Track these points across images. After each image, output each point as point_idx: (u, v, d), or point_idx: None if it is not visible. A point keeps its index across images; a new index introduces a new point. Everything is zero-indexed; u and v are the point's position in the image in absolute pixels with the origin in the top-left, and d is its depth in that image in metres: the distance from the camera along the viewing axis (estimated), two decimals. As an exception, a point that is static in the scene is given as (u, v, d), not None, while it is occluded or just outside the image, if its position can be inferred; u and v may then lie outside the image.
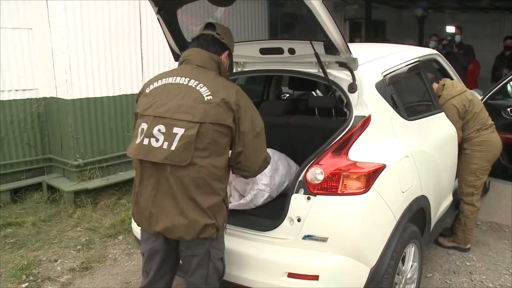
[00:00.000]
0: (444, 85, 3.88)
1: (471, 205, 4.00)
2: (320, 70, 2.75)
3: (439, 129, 3.65)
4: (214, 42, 2.44)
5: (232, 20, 6.33)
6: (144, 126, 2.25)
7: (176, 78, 2.31)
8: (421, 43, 11.52)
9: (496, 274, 3.82)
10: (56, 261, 4.11)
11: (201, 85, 2.24)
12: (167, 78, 2.33)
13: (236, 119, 2.24)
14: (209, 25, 2.50)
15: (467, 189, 3.99)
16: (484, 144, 3.88)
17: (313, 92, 4.43)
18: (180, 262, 2.48)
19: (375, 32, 11.08)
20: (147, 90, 2.37)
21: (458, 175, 3.99)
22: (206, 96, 2.21)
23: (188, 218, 2.21)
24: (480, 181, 3.99)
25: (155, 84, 2.36)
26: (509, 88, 4.27)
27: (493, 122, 3.97)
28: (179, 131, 2.17)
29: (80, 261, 4.09)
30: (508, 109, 4.21)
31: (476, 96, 4.06)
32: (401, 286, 2.96)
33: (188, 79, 2.28)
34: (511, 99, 4.29)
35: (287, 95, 4.86)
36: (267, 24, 7.22)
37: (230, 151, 2.35)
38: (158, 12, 2.93)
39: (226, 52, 2.49)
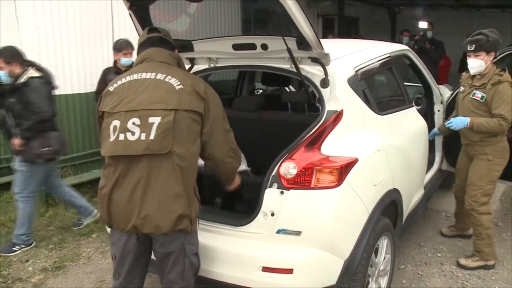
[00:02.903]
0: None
1: (487, 214, 3.76)
2: (293, 66, 2.77)
3: (410, 124, 3.73)
4: (165, 42, 2.52)
5: (205, 16, 6.30)
6: (117, 122, 2.25)
7: (141, 74, 2.34)
8: (393, 39, 11.69)
9: (465, 264, 3.91)
10: (27, 261, 4.04)
11: (170, 77, 2.30)
12: (132, 75, 2.36)
13: (206, 107, 2.31)
14: (153, 29, 2.57)
15: (482, 198, 3.73)
16: (505, 150, 3.72)
17: (287, 88, 4.45)
18: (153, 257, 2.46)
19: (348, 29, 11.19)
20: (111, 89, 2.38)
21: (472, 184, 3.75)
22: (177, 85, 2.27)
23: (166, 208, 2.22)
24: (494, 190, 3.80)
25: (119, 82, 2.37)
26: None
27: None
28: (155, 120, 2.19)
29: (52, 261, 4.03)
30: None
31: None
32: (374, 278, 3.01)
33: (155, 73, 2.32)
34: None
35: (261, 90, 4.87)
36: (241, 20, 7.23)
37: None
38: (130, 8, 2.92)
39: (176, 51, 2.58)
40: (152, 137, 2.17)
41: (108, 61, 5.84)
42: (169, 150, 2.18)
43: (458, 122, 3.69)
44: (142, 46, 2.53)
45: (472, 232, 3.94)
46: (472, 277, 3.73)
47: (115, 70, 4.93)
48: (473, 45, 3.57)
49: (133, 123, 2.21)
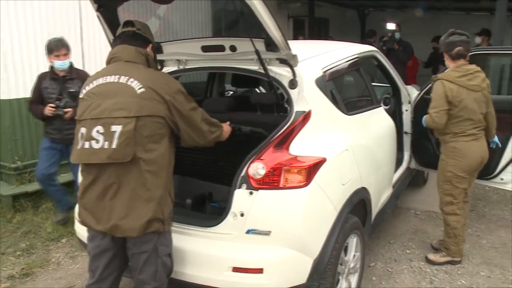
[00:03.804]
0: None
1: (454, 215, 3.82)
2: (261, 67, 2.78)
3: (378, 123, 3.79)
4: (137, 37, 2.49)
5: (175, 18, 6.26)
6: (83, 130, 2.29)
7: (106, 78, 2.34)
8: (363, 40, 11.86)
9: (433, 260, 4.00)
10: (-7, 269, 3.95)
11: (132, 79, 2.29)
12: (98, 80, 2.37)
13: (170, 107, 2.32)
14: (128, 23, 2.53)
15: (445, 197, 3.84)
16: (456, 151, 3.70)
17: (257, 89, 4.47)
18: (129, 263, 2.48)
19: (319, 30, 11.29)
20: (81, 95, 2.42)
21: (437, 183, 3.92)
22: (138, 89, 2.26)
23: (134, 213, 2.24)
24: (457, 190, 3.79)
25: (87, 88, 2.39)
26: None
27: (478, 132, 3.72)
28: (117, 128, 2.21)
29: (20, 268, 3.94)
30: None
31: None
32: (344, 275, 3.04)
33: (118, 76, 2.32)
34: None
35: (231, 92, 4.88)
36: (211, 21, 7.22)
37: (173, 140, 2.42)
38: (97, 10, 2.90)
39: (150, 46, 2.55)
40: (114, 145, 2.20)
41: (77, 65, 5.74)
42: (133, 157, 2.20)
43: (423, 119, 3.84)
44: (114, 42, 2.53)
45: (443, 228, 4.02)
46: (439, 272, 3.82)
47: (51, 76, 4.36)
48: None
49: (97, 131, 2.24)
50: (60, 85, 4.36)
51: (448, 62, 3.74)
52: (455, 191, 3.79)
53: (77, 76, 4.42)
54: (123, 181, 2.24)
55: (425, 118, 3.77)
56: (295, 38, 10.33)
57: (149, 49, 2.53)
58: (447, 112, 3.61)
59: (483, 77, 3.69)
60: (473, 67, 3.69)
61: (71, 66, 4.45)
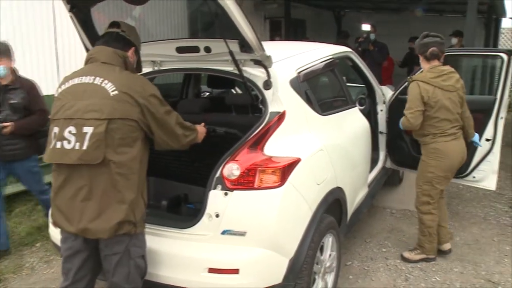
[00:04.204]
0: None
1: (429, 214, 3.88)
2: (236, 68, 2.79)
3: (352, 123, 3.82)
4: (119, 38, 2.48)
5: (151, 19, 6.21)
6: (56, 130, 2.29)
7: (81, 78, 2.34)
8: (337, 41, 11.96)
9: (409, 257, 4.06)
10: (-37, 276, 3.86)
11: (106, 81, 2.28)
12: (73, 79, 2.36)
13: (143, 110, 2.31)
14: (114, 24, 2.53)
15: (422, 197, 3.88)
16: (437, 151, 3.74)
17: (233, 90, 4.48)
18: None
19: (295, 31, 11.34)
20: (56, 94, 2.41)
21: (415, 182, 3.95)
22: (112, 92, 2.25)
23: (105, 215, 2.24)
24: (436, 191, 3.84)
25: (63, 87, 2.38)
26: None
27: (456, 131, 3.78)
28: (88, 130, 2.21)
29: (-8, 273, 3.87)
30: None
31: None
32: (320, 275, 3.06)
33: (93, 77, 2.31)
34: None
35: (207, 93, 4.87)
36: (187, 22, 7.20)
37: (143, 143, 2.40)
38: (70, 10, 2.87)
39: (133, 49, 2.54)
40: (85, 147, 2.20)
41: (51, 66, 5.69)
42: (103, 159, 2.20)
43: (400, 122, 3.89)
44: (97, 42, 2.52)
45: (418, 227, 4.06)
46: (414, 269, 3.88)
47: None
48: None
49: (69, 132, 2.23)
50: (0, 95, 3.91)
51: (423, 63, 3.80)
52: (434, 192, 3.84)
53: (21, 85, 3.96)
54: (94, 183, 2.23)
55: (401, 120, 3.82)
56: (272, 39, 10.35)
57: (130, 52, 2.52)
58: (422, 113, 3.65)
59: (457, 78, 3.75)
60: (447, 68, 3.75)
61: (14, 73, 3.98)
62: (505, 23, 13.73)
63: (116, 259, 2.35)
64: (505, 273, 3.84)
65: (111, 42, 2.45)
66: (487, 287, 3.64)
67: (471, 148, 4.10)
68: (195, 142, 2.70)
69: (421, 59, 3.78)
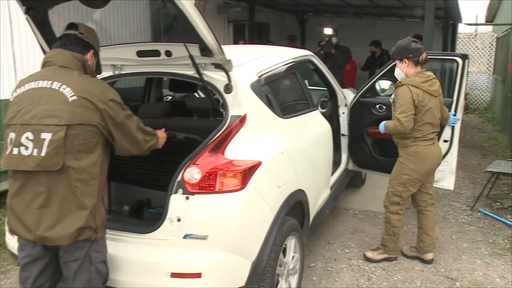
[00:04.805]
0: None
1: (397, 214, 3.91)
2: (196, 72, 2.79)
3: (314, 126, 3.87)
4: (77, 41, 2.43)
5: (112, 22, 6.13)
6: (12, 135, 2.23)
7: (38, 82, 2.28)
8: (303, 45, 12.11)
9: (371, 257, 4.14)
10: None
11: (64, 86, 2.23)
12: (30, 83, 2.30)
13: (103, 115, 2.28)
14: (72, 25, 2.47)
15: (393, 197, 3.89)
16: (417, 155, 3.75)
17: (195, 94, 4.47)
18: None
19: (259, 34, 11.38)
20: (11, 98, 2.34)
21: (389, 182, 3.94)
22: (70, 97, 2.21)
23: (64, 222, 2.21)
24: (408, 193, 3.87)
25: (18, 91, 2.32)
26: (377, 86, 4.61)
27: (434, 137, 3.83)
28: (47, 136, 2.16)
29: None
30: (377, 106, 4.55)
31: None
32: (284, 277, 3.09)
33: (50, 81, 2.26)
34: (379, 97, 4.62)
35: (170, 97, 4.85)
36: (150, 25, 7.12)
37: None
38: (26, 12, 2.80)
39: (91, 52, 2.50)
40: (43, 153, 2.16)
41: (8, 69, 5.53)
42: (62, 166, 2.17)
43: (381, 126, 3.87)
44: (54, 43, 2.46)
45: (383, 226, 4.08)
46: (377, 269, 3.95)
47: None
48: (392, 55, 3.86)
49: (27, 138, 2.18)
50: None
51: (409, 68, 3.74)
52: (405, 194, 3.87)
53: None
54: (52, 190, 2.20)
55: (385, 124, 3.80)
56: (236, 42, 10.36)
57: (89, 55, 2.47)
58: (414, 117, 3.66)
59: (439, 83, 3.80)
60: (431, 73, 3.78)
61: None
62: (462, 28, 14.26)
63: (76, 265, 2.32)
64: (462, 269, 3.96)
65: (69, 44, 2.39)
66: (446, 283, 3.75)
67: None
68: (156, 148, 2.68)
69: (407, 63, 3.74)
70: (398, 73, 3.82)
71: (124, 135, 2.40)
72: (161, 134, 2.76)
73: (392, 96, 3.81)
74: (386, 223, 4.01)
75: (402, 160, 3.84)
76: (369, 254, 4.10)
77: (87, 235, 2.27)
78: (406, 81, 3.68)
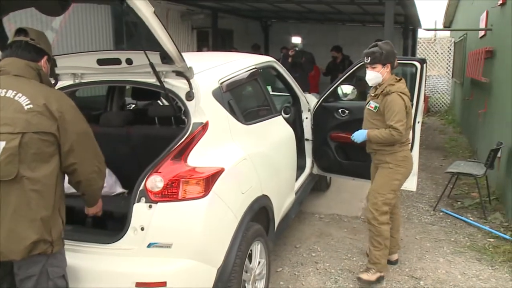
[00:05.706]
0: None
1: (387, 224, 3.75)
2: (157, 80, 2.78)
3: (276, 132, 3.90)
4: (29, 48, 2.34)
5: (73, 30, 6.02)
6: None
7: None
8: (267, 51, 12.22)
9: (337, 260, 4.21)
10: None
11: (20, 94, 2.19)
12: None
13: (60, 125, 2.22)
14: (21, 31, 2.37)
15: (383, 207, 3.71)
16: (406, 159, 3.73)
17: (159, 101, 4.45)
18: None
19: (223, 41, 11.40)
20: None
21: (374, 191, 3.75)
22: (26, 105, 2.16)
23: (16, 235, 2.12)
24: (396, 199, 3.83)
25: None
26: (339, 91, 4.67)
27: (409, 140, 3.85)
28: (0, 144, 2.09)
29: None
30: (339, 110, 4.61)
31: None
32: (250, 282, 3.10)
33: (5, 90, 2.20)
34: (341, 101, 4.69)
35: (133, 105, 4.80)
36: (112, 33, 7.02)
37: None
38: None
39: (45, 57, 2.42)
40: None
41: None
42: (16, 175, 2.11)
43: (359, 134, 3.78)
44: (4, 51, 2.38)
45: (369, 243, 3.85)
46: (343, 271, 4.01)
47: None
48: (369, 58, 3.62)
49: None
50: None
51: (388, 73, 3.66)
52: (394, 200, 3.81)
53: None
54: (4, 200, 2.11)
55: (370, 134, 3.68)
56: (199, 49, 10.36)
57: (43, 61, 2.40)
58: None
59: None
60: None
61: None
62: (422, 33, 14.66)
63: (32, 282, 2.23)
64: (426, 268, 4.07)
65: (22, 52, 2.31)
66: (410, 283, 3.83)
67: None
68: (94, 196, 2.56)
69: (389, 67, 3.66)
70: (376, 77, 3.65)
71: (77, 155, 2.30)
72: (100, 203, 2.68)
73: (373, 104, 3.70)
74: (376, 237, 3.75)
75: (392, 166, 3.72)
76: (364, 276, 3.79)
77: (42, 248, 2.19)
78: (394, 88, 3.58)
